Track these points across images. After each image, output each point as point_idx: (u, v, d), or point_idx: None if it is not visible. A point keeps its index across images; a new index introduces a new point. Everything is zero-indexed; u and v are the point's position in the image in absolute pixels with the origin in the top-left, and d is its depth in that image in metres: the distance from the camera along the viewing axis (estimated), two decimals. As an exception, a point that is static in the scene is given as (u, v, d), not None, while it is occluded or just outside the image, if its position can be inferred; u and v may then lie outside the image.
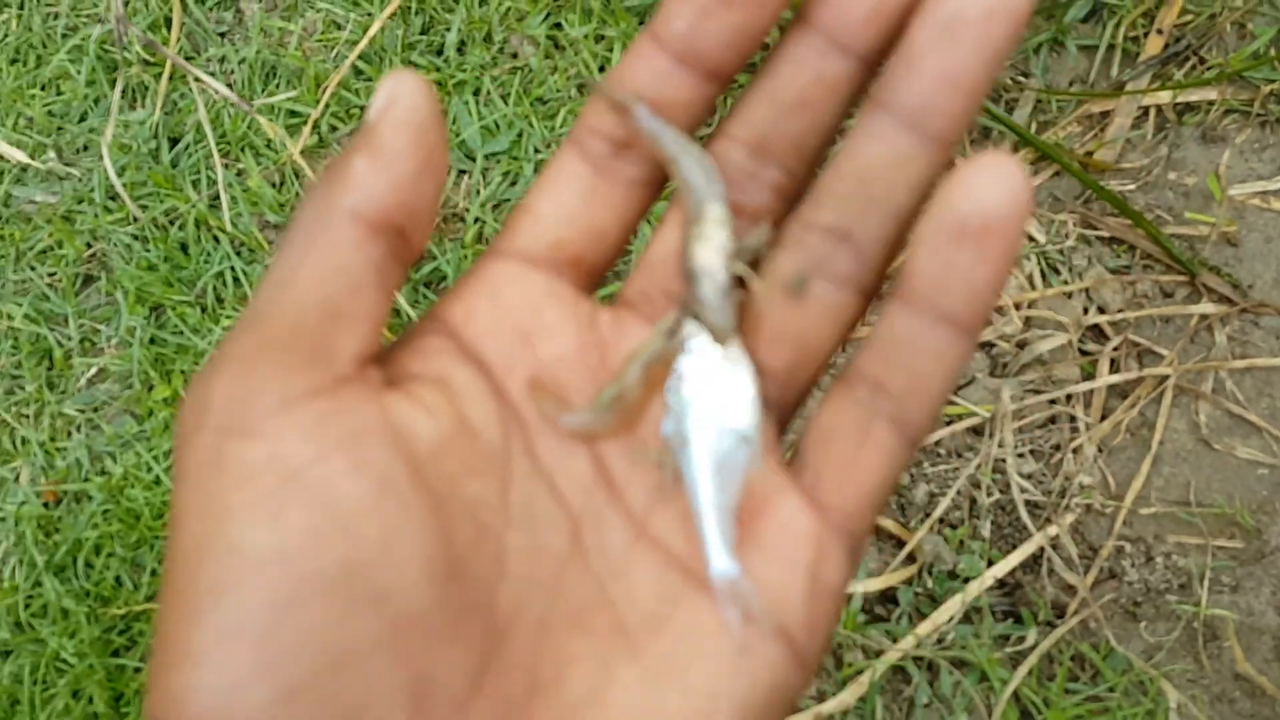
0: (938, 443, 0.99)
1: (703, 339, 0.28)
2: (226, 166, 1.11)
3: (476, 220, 1.03)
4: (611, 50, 1.07)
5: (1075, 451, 0.97)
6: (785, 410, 0.29)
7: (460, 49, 1.09)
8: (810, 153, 0.28)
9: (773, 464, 0.28)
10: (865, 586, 0.90)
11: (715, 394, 0.27)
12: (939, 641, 0.88)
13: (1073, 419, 0.99)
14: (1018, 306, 1.01)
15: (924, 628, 0.88)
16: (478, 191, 1.05)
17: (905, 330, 0.26)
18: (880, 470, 0.27)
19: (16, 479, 1.05)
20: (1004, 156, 0.24)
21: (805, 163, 0.28)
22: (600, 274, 0.30)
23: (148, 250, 1.09)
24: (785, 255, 0.28)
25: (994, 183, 0.24)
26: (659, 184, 0.29)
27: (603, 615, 0.27)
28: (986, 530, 0.94)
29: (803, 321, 0.28)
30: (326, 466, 0.23)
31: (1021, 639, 0.88)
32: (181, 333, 1.05)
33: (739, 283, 0.28)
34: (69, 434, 1.06)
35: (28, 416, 1.07)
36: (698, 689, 0.26)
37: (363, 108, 1.10)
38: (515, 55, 1.09)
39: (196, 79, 1.06)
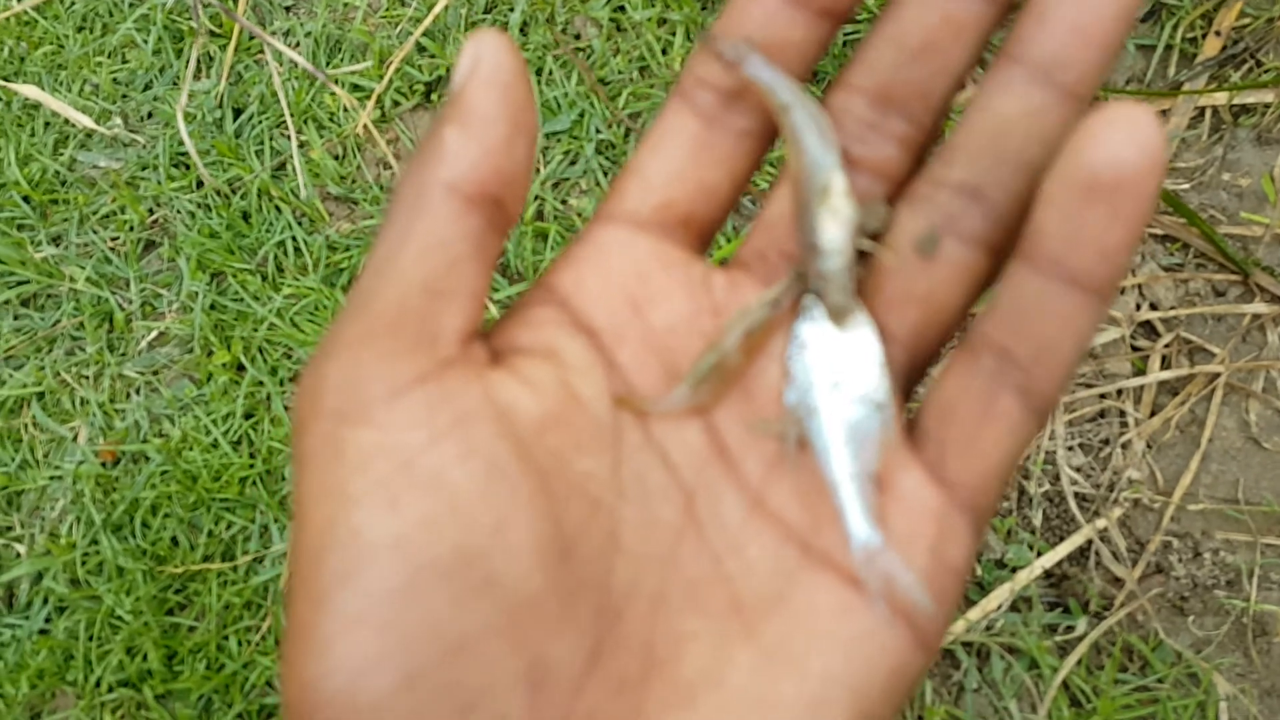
0: (988, 433, 0.98)
1: (823, 308, 0.27)
2: (288, 138, 1.11)
3: (536, 198, 1.03)
4: (674, 35, 1.06)
5: (1124, 446, 0.97)
6: (910, 376, 0.28)
7: (523, 29, 1.09)
8: (937, 102, 0.26)
9: (899, 431, 0.27)
10: (916, 571, 0.90)
11: (842, 360, 0.26)
12: (988, 628, 0.88)
13: (1122, 414, 0.98)
14: (1072, 300, 1.01)
15: (973, 614, 0.88)
16: (538, 169, 1.05)
17: (1033, 294, 0.24)
18: (1006, 444, 0.26)
19: (75, 438, 1.06)
20: (1136, 107, 0.22)
21: (932, 113, 0.27)
22: (712, 232, 0.29)
23: (210, 217, 1.09)
24: (914, 213, 0.27)
25: (1126, 135, 0.22)
26: (771, 134, 0.28)
27: (719, 591, 0.26)
28: (1038, 520, 0.93)
29: (930, 282, 0.26)
30: (437, 453, 0.24)
31: (1070, 629, 0.88)
32: (242, 299, 1.06)
33: (862, 257, 0.27)
34: (128, 395, 1.06)
35: (88, 377, 1.07)
36: (814, 674, 0.25)
37: (426, 84, 1.10)
38: (578, 36, 1.09)
39: (272, 48, 1.06)
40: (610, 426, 0.26)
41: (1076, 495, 0.95)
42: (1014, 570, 0.91)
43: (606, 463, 0.26)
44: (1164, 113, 1.08)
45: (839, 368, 0.26)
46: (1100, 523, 0.94)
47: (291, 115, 1.12)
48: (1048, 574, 0.92)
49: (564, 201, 1.04)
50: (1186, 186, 1.06)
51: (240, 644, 0.94)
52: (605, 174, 1.04)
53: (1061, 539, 0.94)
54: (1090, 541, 0.93)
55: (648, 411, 0.27)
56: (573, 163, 1.04)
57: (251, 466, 0.99)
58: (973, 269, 0.26)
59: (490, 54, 0.25)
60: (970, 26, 0.26)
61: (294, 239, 1.07)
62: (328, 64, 1.12)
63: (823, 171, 0.26)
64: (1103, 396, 0.99)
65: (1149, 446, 0.98)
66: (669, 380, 0.27)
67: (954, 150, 0.26)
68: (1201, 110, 1.08)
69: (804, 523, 0.27)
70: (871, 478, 0.26)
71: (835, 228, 0.26)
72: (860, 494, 0.26)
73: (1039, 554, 0.92)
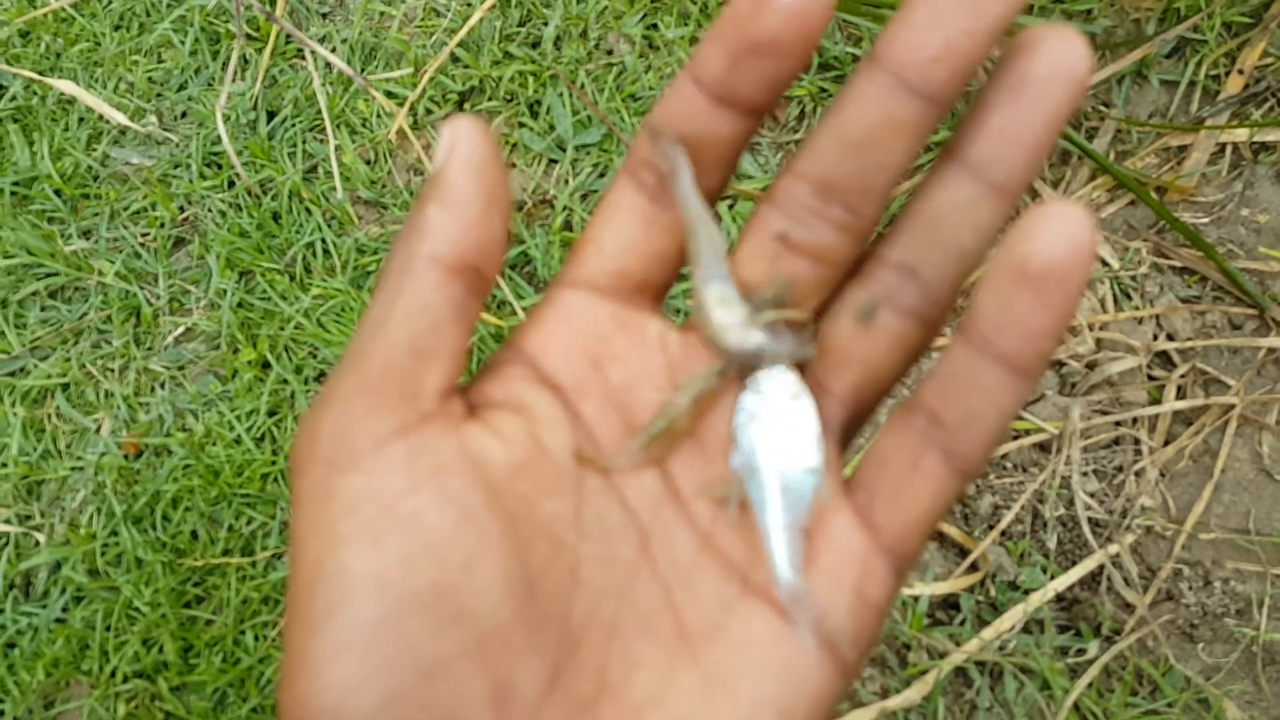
0: (1004, 456, 0.99)
1: (766, 378, 0.30)
2: (322, 141, 1.12)
3: (565, 208, 1.04)
4: (706, 53, 1.08)
5: (1138, 474, 0.98)
6: (848, 430, 0.30)
7: (557, 43, 1.11)
8: (876, 192, 0.28)
9: (832, 485, 0.29)
10: (931, 590, 0.90)
11: (782, 429, 0.29)
12: (1000, 648, 0.88)
13: (1137, 442, 0.99)
14: (1090, 328, 1.02)
15: (986, 634, 0.89)
16: (567, 181, 1.06)
17: (964, 367, 0.27)
18: (930, 498, 0.28)
19: (98, 430, 1.06)
20: (1070, 205, 0.24)
21: (872, 201, 0.28)
22: (665, 290, 0.32)
23: (241, 217, 1.10)
24: (857, 287, 0.29)
25: (1058, 230, 0.24)
26: (713, 202, 0.30)
27: (668, 620, 0.29)
28: (1053, 543, 0.94)
29: (868, 347, 0.29)
30: (416, 498, 0.26)
31: (1082, 651, 0.89)
32: (269, 298, 1.06)
33: (795, 323, 0.30)
34: (153, 390, 1.07)
35: (113, 370, 1.08)
36: (747, 697, 0.28)
37: (460, 93, 1.11)
38: (610, 52, 1.10)
39: (312, 51, 1.07)
40: (573, 473, 0.29)
41: (1090, 520, 0.96)
42: (1026, 592, 0.92)
43: (569, 506, 0.29)
44: (1185, 148, 1.09)
45: (779, 436, 0.29)
46: (1113, 548, 0.94)
47: (318, 121, 1.13)
48: (1059, 597, 0.93)
49: (592, 213, 1.04)
50: (1206, 221, 1.07)
51: (257, 638, 0.94)
52: (634, 187, 1.05)
53: (1074, 563, 0.94)
54: (1102, 566, 0.94)
55: (606, 469, 0.30)
56: (602, 175, 1.05)
57: (274, 463, 0.99)
58: (906, 338, 0.29)
59: (466, 138, 0.28)
60: (909, 125, 0.27)
61: (323, 241, 1.08)
62: (363, 70, 1.13)
63: (705, 280, 0.30)
64: (1118, 424, 0.99)
65: (1162, 475, 0.98)
66: (628, 431, 0.30)
67: (895, 234, 0.29)
68: (1223, 146, 1.09)
69: (745, 559, 0.29)
70: (801, 531, 0.29)
71: (724, 317, 0.30)
72: (789, 544, 0.28)
73: (1052, 577, 0.92)
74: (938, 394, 0.28)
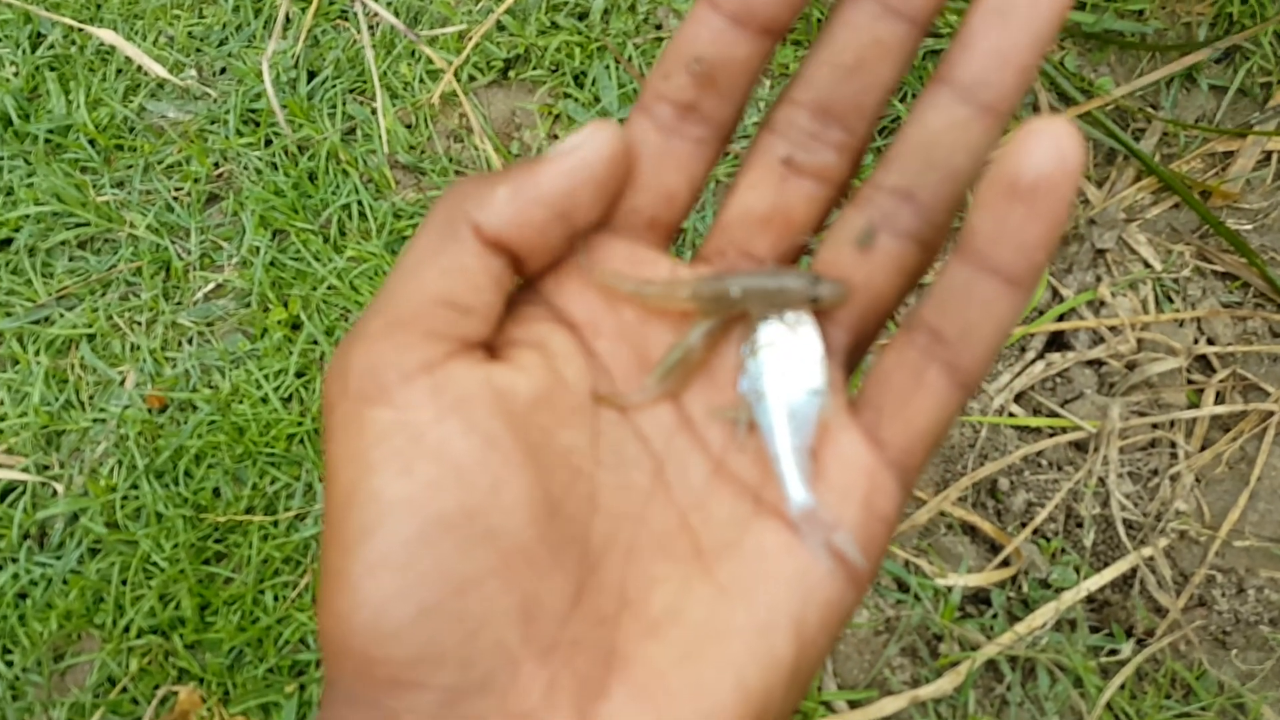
0: (1039, 453, 0.97)
1: (773, 318, 0.31)
2: (362, 103, 1.10)
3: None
4: (756, 33, 1.06)
5: (1173, 479, 0.96)
6: (853, 354, 0.31)
7: (605, 15, 1.08)
8: (869, 111, 0.30)
9: (839, 404, 0.31)
10: (964, 581, 0.88)
11: (788, 355, 0.31)
12: (1032, 644, 0.86)
13: (1173, 445, 0.97)
14: (1131, 327, 1.00)
15: (1019, 628, 0.86)
16: (610, 154, 1.04)
17: (961, 282, 0.28)
18: (934, 411, 0.29)
19: (123, 383, 1.04)
20: (1058, 120, 0.26)
21: (865, 120, 0.30)
22: (675, 230, 0.32)
23: (277, 175, 1.08)
24: (855, 212, 0.30)
25: (1046, 145, 0.26)
26: (723, 140, 0.31)
27: (683, 540, 0.30)
28: (1089, 541, 0.92)
29: (868, 271, 0.30)
30: (443, 428, 0.27)
31: (1114, 652, 0.86)
32: (302, 258, 1.04)
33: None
34: (180, 345, 1.04)
35: (140, 324, 1.06)
36: (761, 605, 0.29)
37: (505, 60, 1.09)
38: (659, 26, 1.08)
39: (364, 6, 1.05)
40: (589, 405, 0.31)
41: (1124, 522, 0.94)
42: (1058, 591, 0.90)
43: (586, 436, 0.30)
44: (1231, 153, 1.08)
45: (785, 361, 0.31)
46: (1147, 550, 0.92)
47: (357, 84, 1.11)
48: (1090, 599, 0.91)
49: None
50: (1249, 227, 1.05)
51: (276, 598, 0.92)
52: (678, 163, 1.03)
53: (1107, 564, 0.92)
54: (1136, 569, 0.91)
55: (624, 405, 0.31)
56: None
57: (300, 424, 0.97)
58: (905, 260, 0.30)
59: (592, 150, 0.29)
60: (896, 47, 0.29)
61: (359, 203, 1.05)
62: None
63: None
64: (1155, 426, 0.97)
65: (1198, 480, 0.96)
66: (641, 365, 0.31)
67: (890, 159, 0.30)
68: (1268, 154, 1.07)
69: (757, 480, 0.31)
70: (808, 450, 0.30)
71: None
72: (797, 464, 0.30)
73: (1084, 577, 0.90)
74: (937, 310, 0.29)
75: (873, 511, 0.30)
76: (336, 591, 0.27)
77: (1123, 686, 0.84)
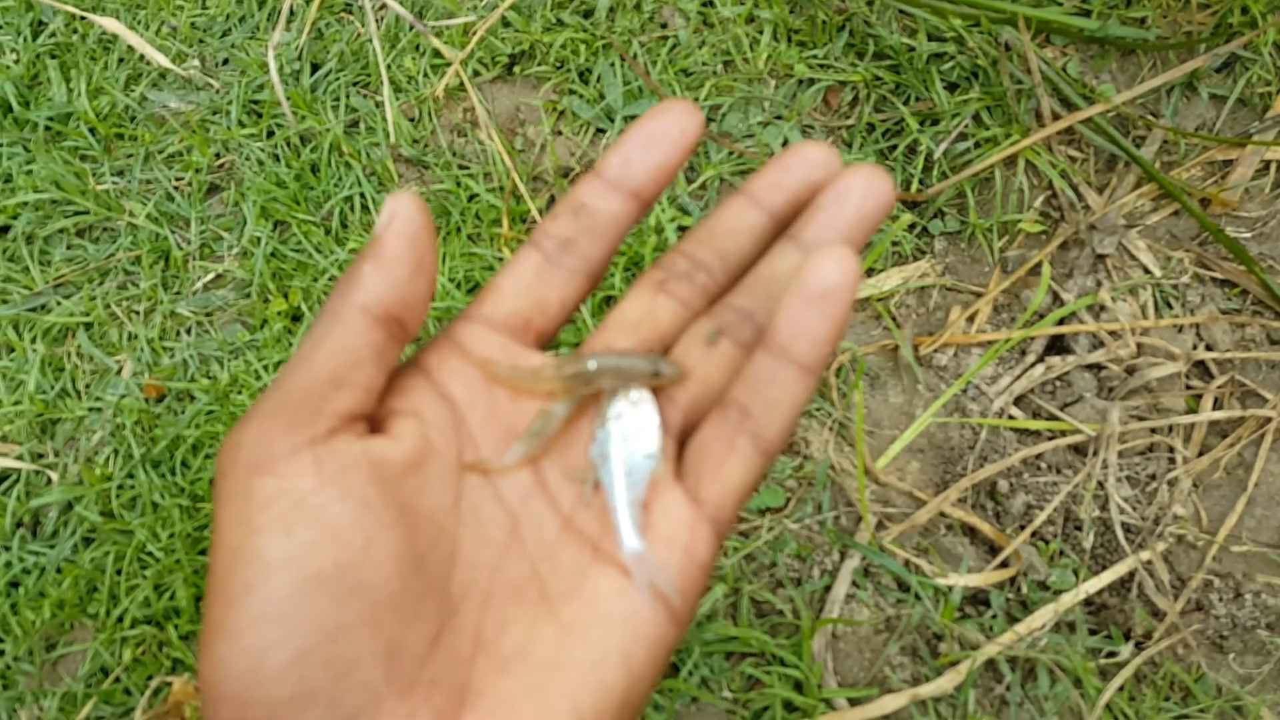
0: (1039, 456, 0.97)
1: (622, 398, 0.38)
2: (366, 96, 1.10)
3: (611, 178, 1.02)
4: (762, 32, 1.06)
5: (1171, 483, 0.96)
6: (685, 431, 0.38)
7: (610, 13, 1.09)
8: (730, 268, 0.39)
9: (668, 469, 0.37)
10: (964, 581, 0.88)
11: (630, 424, 0.37)
12: (1030, 646, 0.86)
13: (1171, 450, 0.97)
14: (1131, 332, 1.00)
15: (1018, 629, 0.87)
16: (614, 151, 1.04)
17: (766, 369, 0.35)
18: (742, 473, 0.36)
19: (119, 372, 1.03)
20: (840, 246, 0.33)
21: (728, 273, 0.39)
22: (547, 336, 0.39)
23: (279, 166, 1.07)
24: (707, 320, 0.39)
25: (833, 264, 0.33)
26: (594, 275, 0.39)
27: (532, 587, 0.35)
28: (1088, 543, 0.92)
29: (708, 366, 0.38)
30: (322, 495, 0.32)
31: (1113, 654, 0.87)
32: (303, 250, 1.04)
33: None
34: (178, 334, 1.04)
35: (138, 313, 1.05)
36: (596, 642, 0.34)
37: (509, 56, 1.09)
38: (664, 25, 1.09)
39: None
40: (456, 470, 0.36)
41: (1123, 526, 0.94)
42: (1057, 593, 0.90)
43: (451, 497, 0.35)
44: (1230, 162, 1.09)
45: (627, 429, 0.37)
46: (1145, 554, 0.93)
47: (361, 77, 1.10)
48: (1088, 601, 0.91)
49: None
50: (1248, 235, 1.06)
51: (274, 590, 0.91)
52: (682, 161, 1.03)
53: (1105, 567, 0.92)
54: (1134, 572, 0.92)
55: (488, 470, 0.36)
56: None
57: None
58: (736, 362, 0.38)
59: (404, 211, 0.35)
60: (755, 230, 0.39)
61: (362, 195, 1.05)
62: (411, 30, 1.11)
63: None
64: (1154, 431, 0.98)
65: (1196, 485, 0.97)
66: (507, 438, 0.37)
67: (742, 287, 0.39)
68: (1267, 164, 1.08)
69: (598, 533, 0.36)
70: (640, 505, 0.36)
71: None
72: (631, 516, 0.35)
73: (1082, 580, 0.91)
74: (746, 391, 0.35)
75: (692, 558, 0.35)
76: (218, 640, 0.30)
77: (1121, 688, 0.84)
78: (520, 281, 0.38)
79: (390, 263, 0.34)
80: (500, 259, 0.99)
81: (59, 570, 0.94)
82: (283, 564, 0.31)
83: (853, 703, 0.82)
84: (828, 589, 0.88)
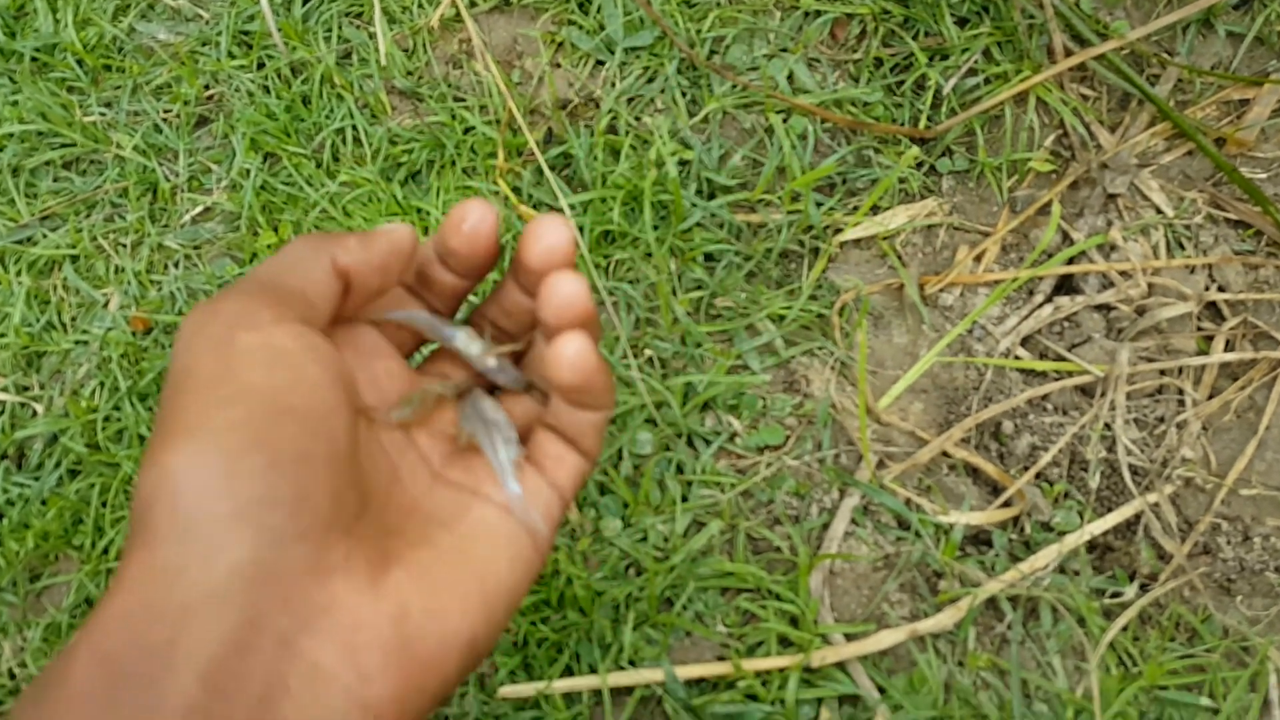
0: (1045, 397, 0.95)
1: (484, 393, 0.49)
2: (359, 27, 1.08)
3: (610, 111, 1.00)
4: (766, -37, 1.03)
5: (1180, 426, 0.94)
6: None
7: (611, -57, 1.06)
8: (521, 328, 0.49)
9: (522, 452, 0.46)
10: (966, 519, 0.87)
11: (491, 409, 0.47)
12: (1034, 585, 0.84)
13: (1180, 393, 0.95)
14: (1143, 272, 0.98)
15: (1023, 566, 0.85)
16: (614, 84, 1.01)
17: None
18: (574, 468, 0.46)
19: (106, 305, 1.01)
20: (577, 333, 0.41)
21: (522, 330, 0.49)
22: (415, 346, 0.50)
23: (269, 98, 1.05)
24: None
25: (570, 347, 0.41)
26: (459, 298, 0.50)
27: (418, 515, 0.42)
28: (1095, 483, 0.90)
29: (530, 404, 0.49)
30: (302, 356, 0.37)
31: (1117, 594, 0.85)
32: (294, 183, 1.02)
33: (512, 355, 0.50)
34: (166, 268, 1.02)
35: (125, 245, 1.03)
36: (487, 545, 0.42)
37: (507, -14, 1.07)
38: (667, -44, 1.06)
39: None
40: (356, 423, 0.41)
41: (1130, 468, 0.92)
42: (1061, 534, 0.88)
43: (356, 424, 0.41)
44: (1246, 101, 1.06)
45: (493, 413, 0.47)
46: (1152, 497, 0.91)
47: (354, 6, 1.08)
48: (1092, 544, 0.89)
49: (638, 118, 1.00)
50: (1264, 176, 1.03)
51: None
52: (684, 94, 1.00)
53: (1110, 510, 0.91)
54: (1140, 514, 0.90)
55: (375, 419, 0.44)
56: (650, 80, 1.01)
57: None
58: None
59: (403, 234, 0.44)
60: (525, 305, 0.48)
61: (354, 128, 1.03)
62: (406, -43, 1.08)
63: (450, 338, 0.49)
64: (1163, 373, 0.96)
65: (1205, 429, 0.95)
66: (381, 404, 0.45)
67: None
68: (1284, 103, 1.05)
69: (472, 484, 0.44)
70: (515, 462, 0.45)
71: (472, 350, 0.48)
72: (509, 468, 0.44)
73: (1088, 521, 0.89)
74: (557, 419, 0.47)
75: (549, 515, 0.44)
76: (178, 448, 0.34)
77: (1125, 628, 0.82)
78: (396, 301, 0.47)
79: (371, 252, 0.42)
80: (495, 191, 0.97)
81: (44, 502, 0.93)
82: (262, 390, 0.35)
83: (849, 638, 0.80)
84: (826, 527, 0.86)
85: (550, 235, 0.42)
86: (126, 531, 0.43)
